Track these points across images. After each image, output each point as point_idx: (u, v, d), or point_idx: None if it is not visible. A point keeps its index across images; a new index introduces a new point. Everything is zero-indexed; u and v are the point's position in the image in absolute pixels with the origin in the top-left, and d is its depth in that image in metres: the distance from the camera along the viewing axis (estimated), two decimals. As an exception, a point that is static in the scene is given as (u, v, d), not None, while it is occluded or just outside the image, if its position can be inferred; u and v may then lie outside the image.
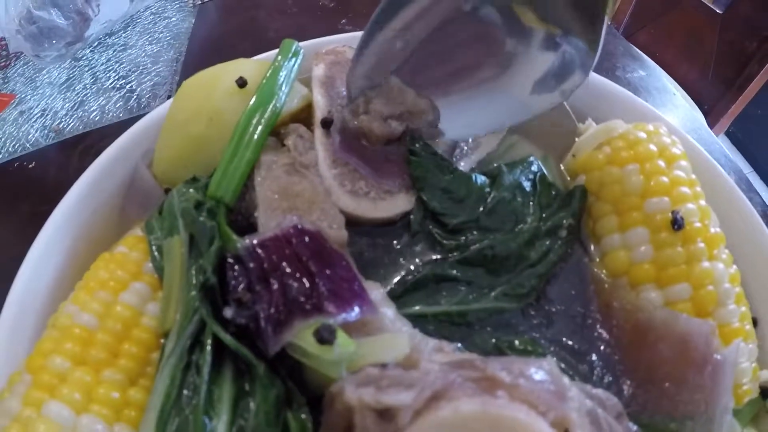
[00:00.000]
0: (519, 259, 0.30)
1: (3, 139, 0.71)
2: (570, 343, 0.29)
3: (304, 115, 0.39)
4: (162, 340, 0.29)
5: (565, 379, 0.23)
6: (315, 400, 0.25)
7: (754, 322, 0.33)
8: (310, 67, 0.40)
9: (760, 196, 0.51)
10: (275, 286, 0.24)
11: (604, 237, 0.32)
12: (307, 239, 0.26)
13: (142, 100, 0.69)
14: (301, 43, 0.41)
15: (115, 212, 0.39)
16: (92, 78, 0.76)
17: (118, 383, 0.27)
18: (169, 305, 0.29)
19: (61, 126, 0.70)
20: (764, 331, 0.33)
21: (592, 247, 0.33)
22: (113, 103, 0.70)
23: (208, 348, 0.25)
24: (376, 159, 0.34)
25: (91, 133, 0.67)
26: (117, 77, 0.74)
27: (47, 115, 0.72)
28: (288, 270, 0.25)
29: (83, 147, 0.65)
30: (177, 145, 0.36)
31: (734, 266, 0.32)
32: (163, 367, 0.26)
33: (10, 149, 0.70)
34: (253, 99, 0.35)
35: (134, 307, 0.30)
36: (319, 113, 0.36)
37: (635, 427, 0.26)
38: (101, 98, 0.71)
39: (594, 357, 0.29)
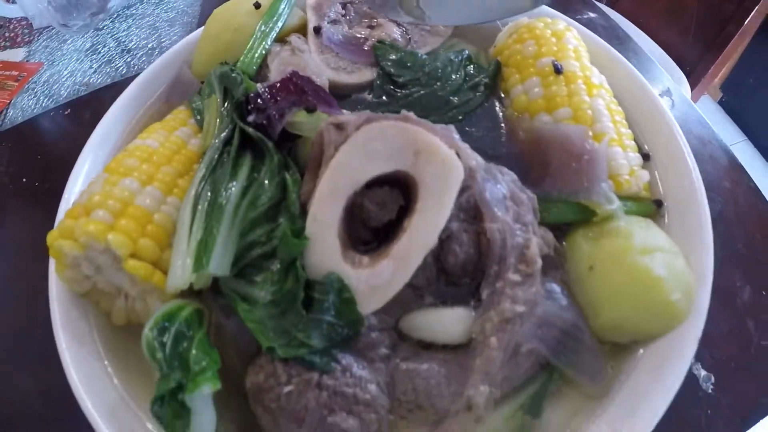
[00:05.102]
0: (447, 102, 0.52)
1: (36, 96, 0.96)
2: (486, 153, 0.50)
3: (301, 32, 0.63)
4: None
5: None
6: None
7: (647, 157, 0.53)
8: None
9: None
10: (279, 98, 0.46)
11: (511, 89, 0.54)
12: (301, 78, 0.48)
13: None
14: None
15: (162, 100, 0.62)
16: (115, 42, 1.01)
17: (171, 174, 0.49)
18: (207, 134, 0.51)
19: (90, 81, 0.95)
20: (656, 164, 0.53)
21: (505, 99, 0.55)
22: (137, 58, 0.95)
23: (235, 141, 0.47)
24: (350, 48, 0.58)
25: (119, 83, 0.91)
26: (139, 39, 0.99)
27: (76, 74, 0.97)
28: (289, 89, 0.47)
29: (113, 93, 0.89)
30: (211, 48, 0.61)
31: (619, 108, 0.52)
32: (205, 156, 0.47)
33: (44, 104, 0.94)
34: (265, 14, 0.59)
35: (183, 138, 0.52)
36: (311, 24, 0.60)
37: (528, 190, 0.45)
38: (126, 56, 0.96)
39: (503, 163, 0.49)
